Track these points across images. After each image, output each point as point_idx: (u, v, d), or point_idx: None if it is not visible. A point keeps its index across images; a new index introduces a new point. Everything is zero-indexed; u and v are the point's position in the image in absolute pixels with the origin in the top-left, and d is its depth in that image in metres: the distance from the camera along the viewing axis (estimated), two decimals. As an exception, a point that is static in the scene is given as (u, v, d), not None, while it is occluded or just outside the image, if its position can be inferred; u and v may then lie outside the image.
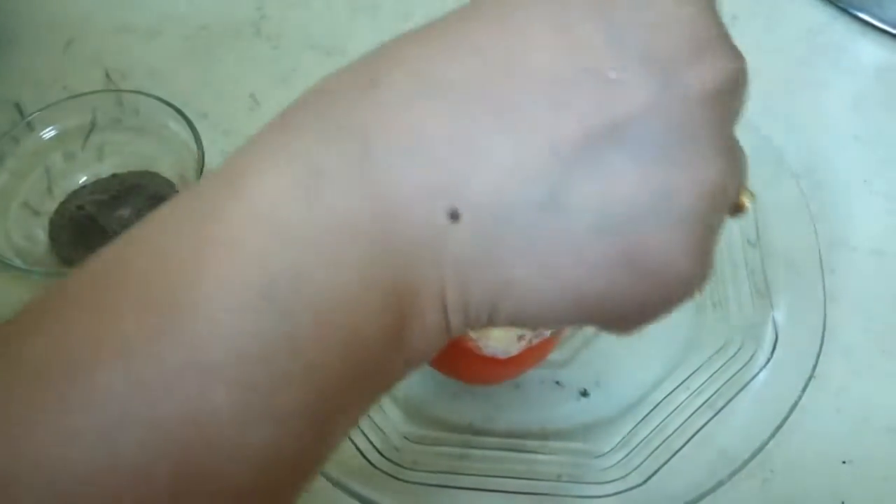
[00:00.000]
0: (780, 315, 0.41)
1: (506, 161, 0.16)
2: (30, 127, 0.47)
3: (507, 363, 0.36)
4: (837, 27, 0.55)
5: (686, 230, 0.17)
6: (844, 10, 0.55)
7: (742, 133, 0.46)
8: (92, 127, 0.49)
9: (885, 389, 0.41)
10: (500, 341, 0.36)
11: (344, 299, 0.16)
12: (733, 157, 0.18)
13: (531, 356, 0.37)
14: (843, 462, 0.39)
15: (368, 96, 0.17)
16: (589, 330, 0.42)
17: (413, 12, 0.56)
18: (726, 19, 0.19)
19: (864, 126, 0.50)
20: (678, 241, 0.17)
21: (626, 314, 0.18)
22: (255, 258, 0.16)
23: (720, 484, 0.35)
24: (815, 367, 0.39)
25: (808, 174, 0.48)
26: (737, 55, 0.18)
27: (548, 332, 0.36)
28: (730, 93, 0.18)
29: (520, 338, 0.36)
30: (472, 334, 0.36)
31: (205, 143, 0.45)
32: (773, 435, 0.37)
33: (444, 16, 0.19)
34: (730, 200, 0.19)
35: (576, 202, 0.17)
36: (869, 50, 0.54)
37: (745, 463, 0.37)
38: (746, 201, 0.21)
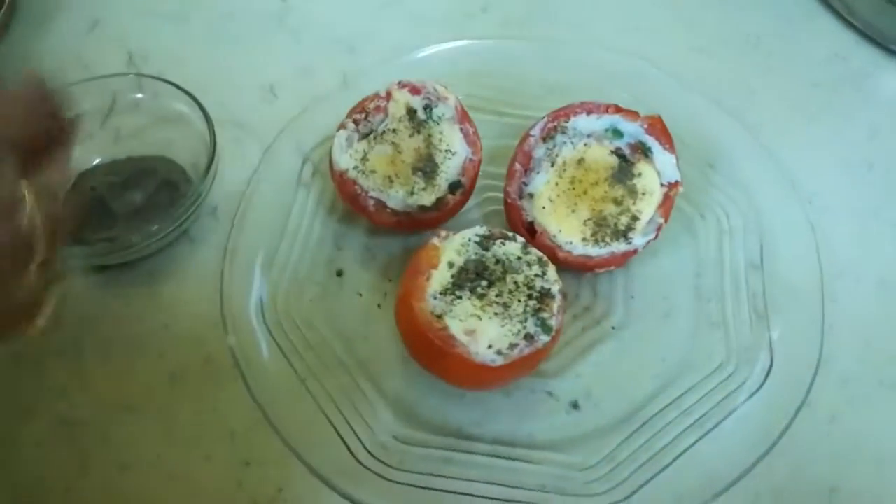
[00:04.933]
0: (776, 340, 0.41)
1: None
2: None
3: (497, 371, 0.36)
4: (860, 54, 0.55)
5: None
6: (868, 38, 0.55)
7: (754, 154, 0.46)
8: (111, 109, 0.49)
9: (879, 420, 0.40)
10: (490, 350, 0.36)
11: None
12: None
13: (522, 365, 0.37)
14: (831, 490, 0.38)
15: None
16: (584, 342, 0.42)
17: (433, 12, 0.56)
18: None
19: (878, 155, 0.50)
20: None
21: None
22: None
23: (702, 505, 0.35)
24: (807, 394, 0.38)
25: (818, 199, 0.48)
26: None
27: (540, 343, 0.37)
28: None
29: (511, 346, 0.36)
30: (463, 339, 0.36)
31: (219, 132, 0.45)
32: (759, 459, 0.37)
33: None
34: None
35: None
36: (890, 79, 0.54)
37: (730, 485, 0.37)
38: None
